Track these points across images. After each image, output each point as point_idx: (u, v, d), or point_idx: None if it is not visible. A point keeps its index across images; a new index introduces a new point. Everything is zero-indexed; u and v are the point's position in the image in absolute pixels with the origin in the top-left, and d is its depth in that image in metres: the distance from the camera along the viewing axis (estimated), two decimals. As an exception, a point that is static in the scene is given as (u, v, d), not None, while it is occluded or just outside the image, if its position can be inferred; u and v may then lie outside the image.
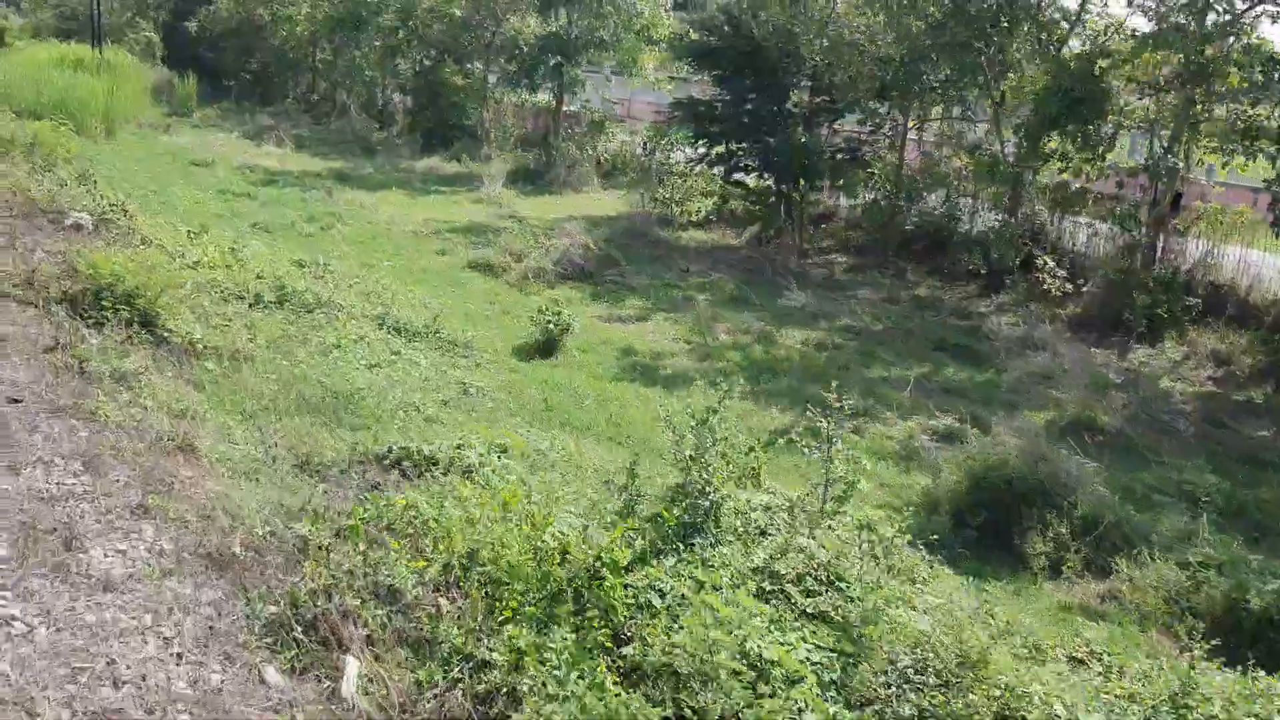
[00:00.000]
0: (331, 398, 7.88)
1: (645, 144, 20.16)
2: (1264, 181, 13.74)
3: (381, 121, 32.26)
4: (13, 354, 6.55)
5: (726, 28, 17.88)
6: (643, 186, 20.20)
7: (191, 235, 11.58)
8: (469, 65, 29.04)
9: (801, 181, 17.80)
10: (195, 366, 7.93)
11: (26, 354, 6.65)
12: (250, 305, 10.08)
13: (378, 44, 34.24)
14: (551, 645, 3.84)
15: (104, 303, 7.83)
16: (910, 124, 17.63)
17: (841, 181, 18.01)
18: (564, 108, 25.65)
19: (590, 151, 24.24)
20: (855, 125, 18.22)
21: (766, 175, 18.51)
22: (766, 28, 16.48)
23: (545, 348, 11.17)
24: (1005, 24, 14.86)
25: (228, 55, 39.97)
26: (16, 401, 5.77)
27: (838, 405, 6.42)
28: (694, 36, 19.45)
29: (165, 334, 8.07)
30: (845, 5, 17.62)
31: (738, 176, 19.12)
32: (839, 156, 17.92)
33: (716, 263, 17.02)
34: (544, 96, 29.82)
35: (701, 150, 19.48)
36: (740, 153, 18.32)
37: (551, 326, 11.21)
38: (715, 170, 19.40)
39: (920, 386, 11.35)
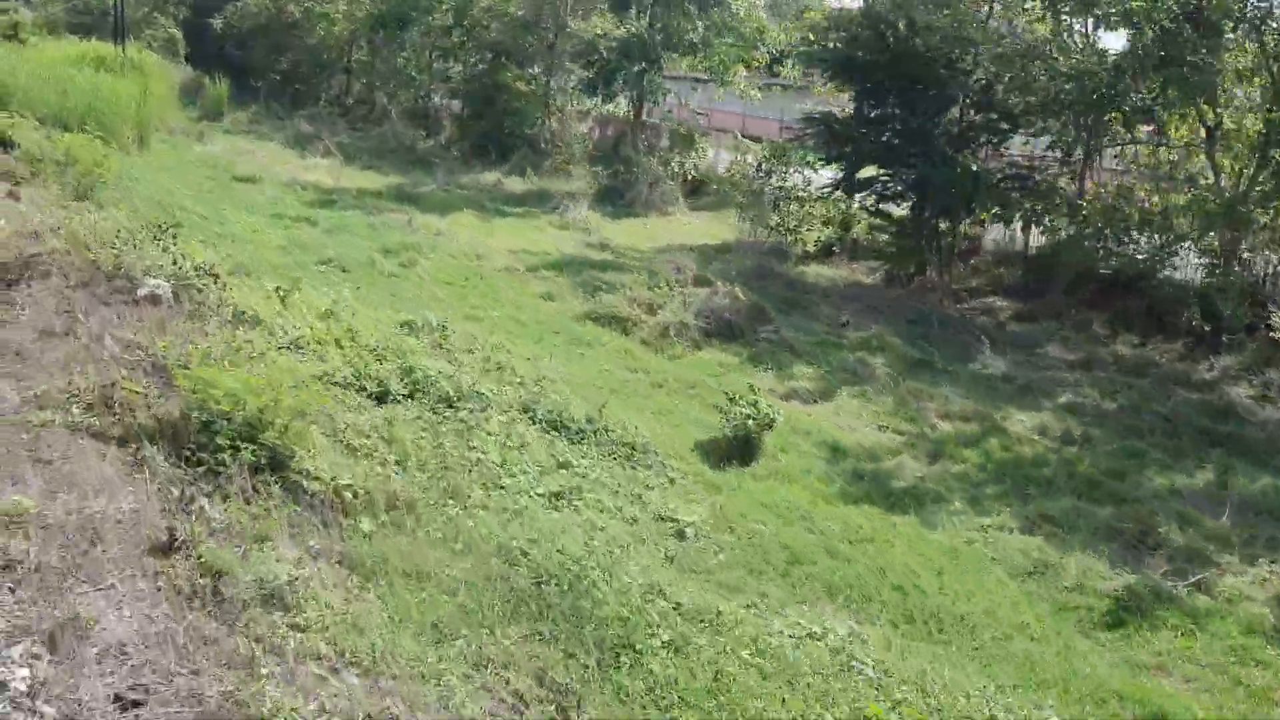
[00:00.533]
0: (546, 582, 5.35)
1: (760, 164, 17.63)
2: None
3: (427, 128, 29.72)
4: (108, 567, 4.03)
5: (869, 33, 15.34)
6: (754, 211, 17.66)
7: (282, 296, 9.06)
8: (530, 69, 26.48)
9: (957, 212, 15.27)
10: (347, 530, 5.42)
11: (128, 563, 4.12)
12: (378, 401, 7.58)
13: (426, 44, 31.77)
14: None
15: (218, 439, 5.31)
16: (1093, 148, 15.08)
17: (999, 212, 15.45)
18: (642, 118, 23.08)
19: (677, 168, 21.69)
20: (1021, 148, 15.72)
21: (912, 203, 15.95)
22: (931, 36, 13.93)
23: (741, 449, 8.65)
24: (1233, 33, 12.37)
25: (256, 54, 37.44)
26: (137, 707, 3.21)
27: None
28: (817, 42, 16.91)
29: (301, 479, 5.55)
30: (1016, 10, 15.09)
31: (876, 203, 16.56)
32: (1005, 184, 15.35)
33: (865, 309, 14.49)
34: (612, 105, 27.33)
35: (832, 172, 16.93)
36: (888, 178, 15.76)
37: (750, 422, 8.68)
38: (849, 197, 16.84)
39: (1221, 503, 8.80)
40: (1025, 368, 12.29)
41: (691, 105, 22.64)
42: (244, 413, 5.41)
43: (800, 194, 17.33)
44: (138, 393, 5.62)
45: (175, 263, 8.06)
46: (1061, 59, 13.18)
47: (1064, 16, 14.02)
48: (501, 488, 6.73)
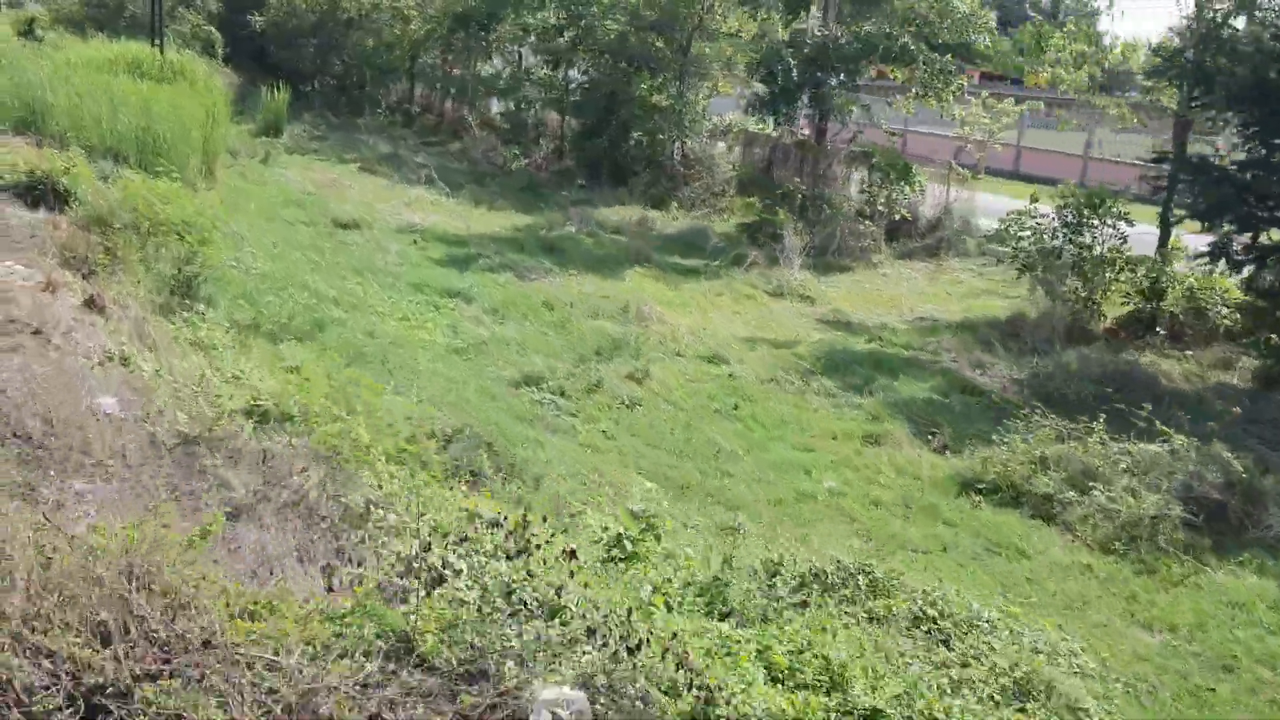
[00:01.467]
0: None
1: (1064, 214, 13.17)
2: None
3: (523, 146, 25.22)
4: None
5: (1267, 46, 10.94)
6: (1052, 275, 13.26)
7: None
8: (661, 78, 21.97)
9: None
10: None
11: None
12: None
13: (520, 45, 27.27)
14: None
15: None
16: None
17: None
18: (825, 140, 18.59)
19: (883, 207, 17.24)
20: None
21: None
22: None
23: None
24: None
25: (306, 56, 33.00)
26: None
27: None
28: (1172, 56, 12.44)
29: None
30: None
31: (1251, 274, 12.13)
32: None
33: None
34: (756, 121, 22.85)
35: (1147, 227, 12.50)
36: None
37: None
38: (1233, 270, 12.38)
39: None
40: None
41: (886, 127, 18.13)
42: None
43: (1113, 255, 12.91)
44: None
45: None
46: None
47: None
48: None
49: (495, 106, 29.63)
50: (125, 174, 15.50)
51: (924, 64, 17.22)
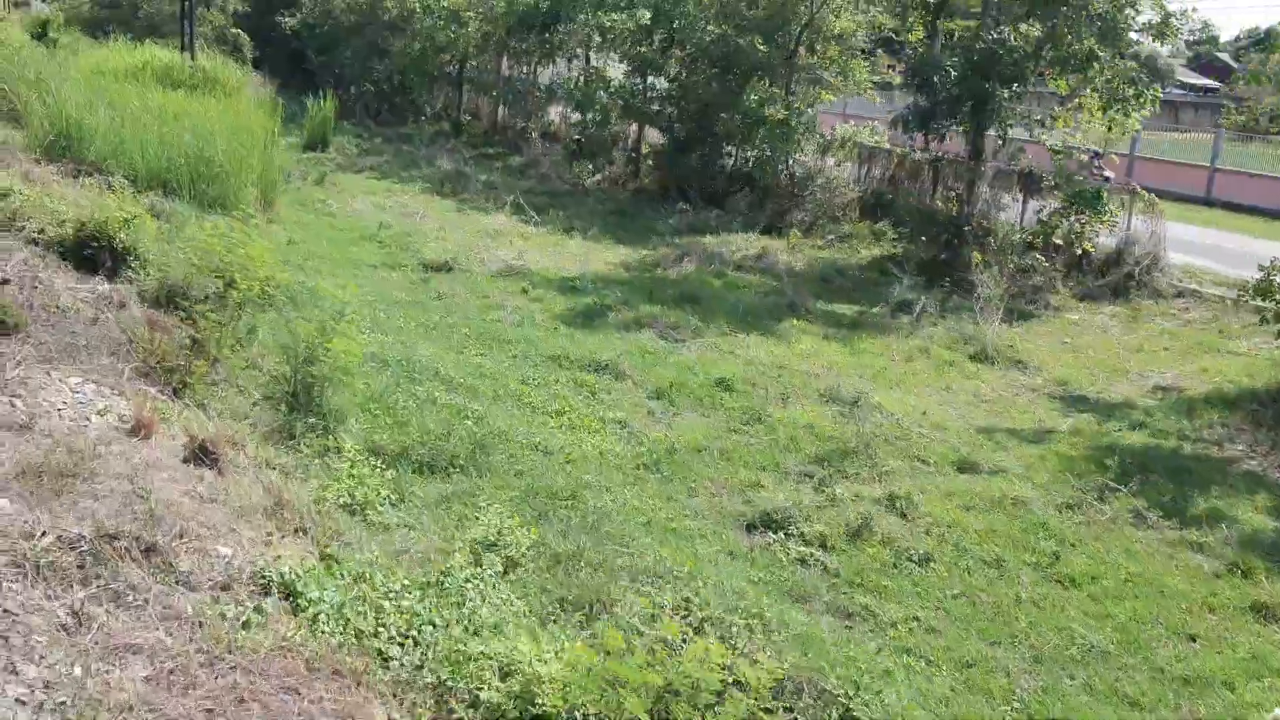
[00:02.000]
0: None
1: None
2: None
3: (594, 162, 22.60)
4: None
5: None
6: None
7: None
8: (769, 86, 19.33)
9: None
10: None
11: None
12: None
13: (588, 50, 24.66)
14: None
15: None
16: None
17: None
18: (982, 160, 15.95)
19: (1068, 242, 14.63)
20: None
21: None
22: None
23: None
24: None
25: (344, 61, 30.49)
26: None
27: None
28: None
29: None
30: None
31: None
32: None
33: None
34: (870, 133, 20.23)
35: None
36: None
37: None
38: None
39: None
40: None
41: (1050, 143, 15.46)
42: None
43: None
44: None
45: None
46: None
47: None
48: None
49: (553, 115, 27.02)
50: (179, 210, 13.00)
51: (1104, 71, 14.60)
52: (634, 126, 22.68)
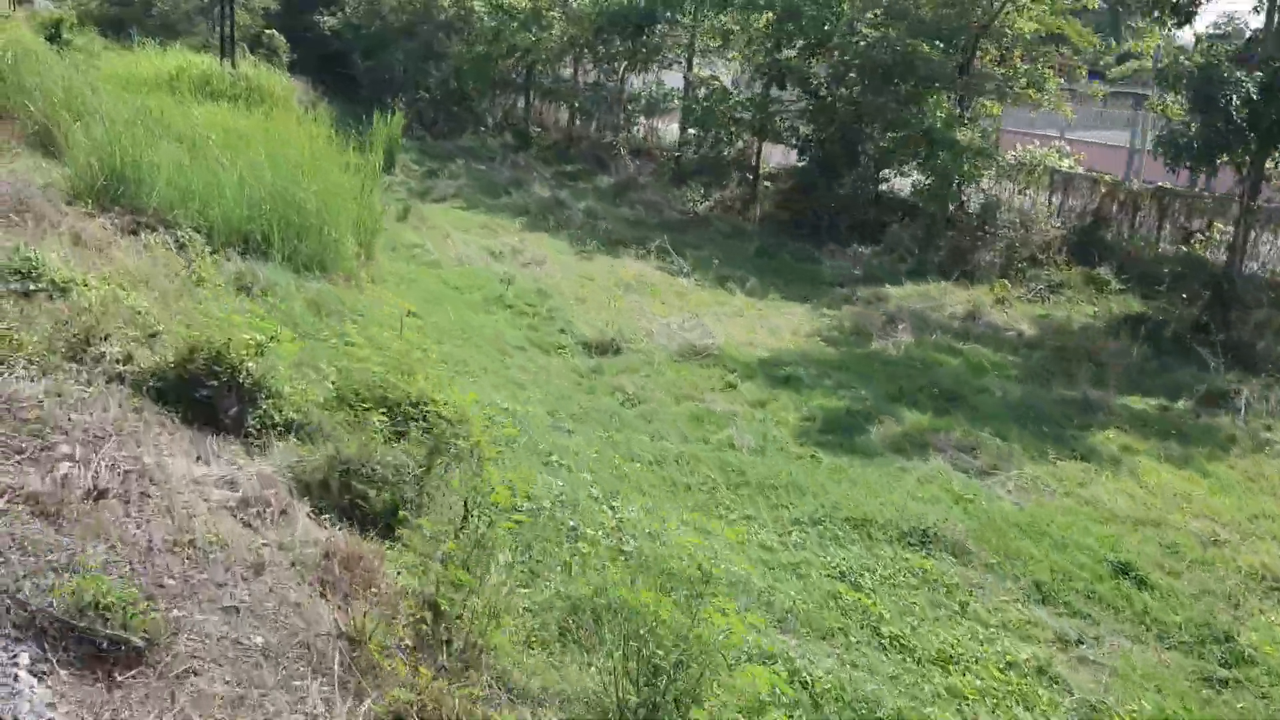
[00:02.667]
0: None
1: None
2: None
3: (707, 186, 19.35)
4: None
5: None
6: None
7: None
8: (946, 100, 16.04)
9: None
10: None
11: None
12: None
13: (700, 56, 21.39)
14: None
15: None
16: None
17: None
18: (1258, 197, 12.67)
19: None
20: None
21: None
22: None
23: None
24: None
25: (395, 65, 27.22)
26: None
27: None
28: None
29: None
30: None
31: None
32: None
33: None
34: (1059, 158, 16.93)
35: None
36: None
37: None
38: None
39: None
40: None
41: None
42: None
43: None
44: None
45: None
46: None
47: None
48: None
49: (639, 128, 23.76)
50: (272, 277, 9.76)
51: None
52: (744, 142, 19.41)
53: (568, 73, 25.49)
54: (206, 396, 5.74)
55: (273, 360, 6.04)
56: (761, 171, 19.67)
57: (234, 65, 21.70)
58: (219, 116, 15.10)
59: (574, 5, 22.74)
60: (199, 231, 10.08)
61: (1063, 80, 16.99)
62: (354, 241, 11.67)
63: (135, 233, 9.73)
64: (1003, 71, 16.26)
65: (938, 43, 15.69)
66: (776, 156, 20.25)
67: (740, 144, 18.89)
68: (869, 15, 16.41)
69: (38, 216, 8.65)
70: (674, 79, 23.51)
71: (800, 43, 17.21)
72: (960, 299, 13.74)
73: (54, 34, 28.45)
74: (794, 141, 18.12)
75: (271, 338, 5.99)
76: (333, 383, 6.54)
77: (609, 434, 8.19)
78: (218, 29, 36.07)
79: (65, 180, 10.34)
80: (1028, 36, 15.85)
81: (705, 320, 11.83)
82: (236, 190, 10.60)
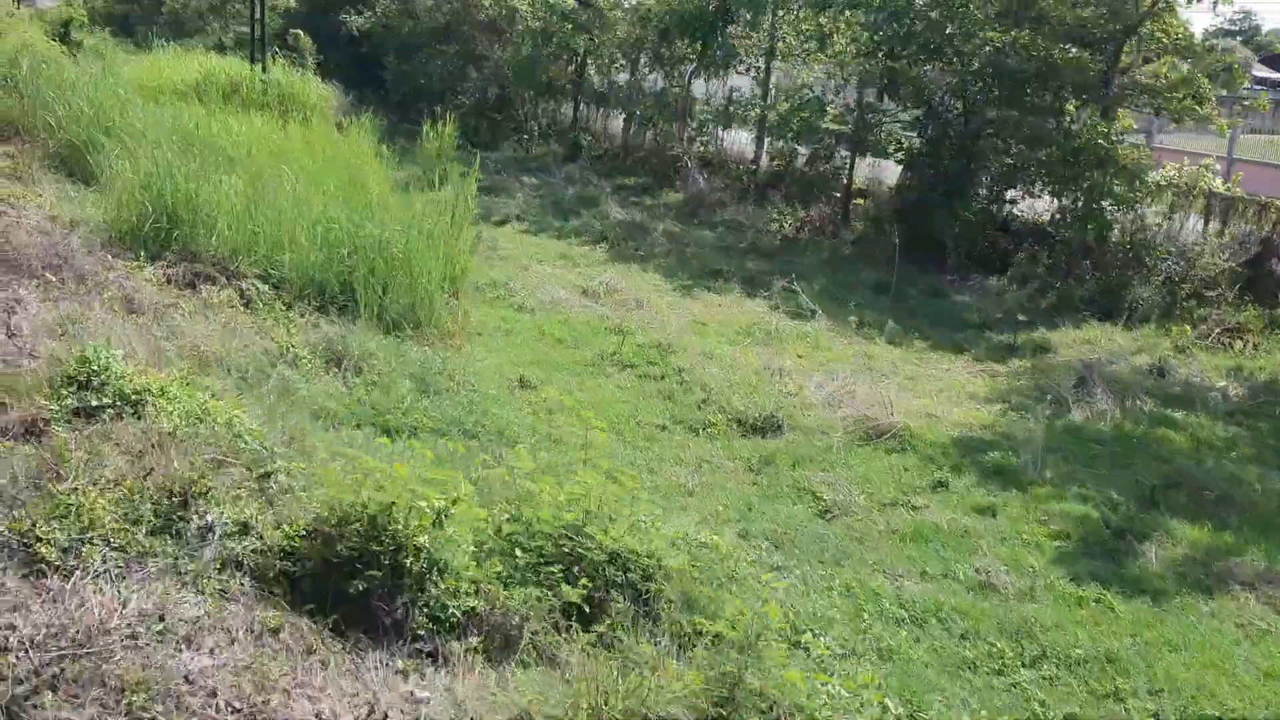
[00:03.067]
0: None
1: None
2: None
3: (790, 206, 17.35)
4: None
5: None
6: None
7: None
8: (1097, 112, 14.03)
9: None
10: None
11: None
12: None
13: (769, 58, 19.34)
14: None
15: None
16: None
17: None
18: None
19: None
20: None
21: None
22: None
23: None
24: None
25: (433, 70, 25.26)
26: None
27: None
28: None
29: None
30: None
31: None
32: None
33: None
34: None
35: None
36: None
37: None
38: None
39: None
40: None
41: None
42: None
43: None
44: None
45: None
46: None
47: None
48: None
49: (709, 138, 21.71)
50: (361, 342, 7.81)
51: None
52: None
53: (622, 77, 23.49)
54: (362, 590, 3.77)
55: (454, 528, 4.05)
56: (862, 186, 17.69)
57: (264, 70, 19.69)
58: (261, 132, 13.15)
59: (634, 3, 20.73)
60: (266, 282, 8.11)
61: (1222, 91, 14.99)
62: (444, 288, 9.70)
63: (193, 285, 7.78)
64: (1154, 79, 14.22)
65: (1082, 49, 13.68)
66: (861, 171, 18.24)
67: (836, 158, 16.84)
68: (996, 17, 14.36)
69: (79, 274, 6.69)
70: (740, 84, 21.55)
71: (913, 46, 15.17)
72: (1129, 346, 11.75)
73: (63, 33, 26.41)
74: (900, 157, 16.10)
75: (454, 500, 3.98)
76: (505, 537, 4.58)
77: (828, 570, 6.20)
78: (230, 28, 34.12)
79: (103, 215, 8.34)
80: (1186, 42, 13.83)
81: (860, 383, 9.81)
82: (311, 232, 8.61)
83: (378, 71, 26.30)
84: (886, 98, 16.06)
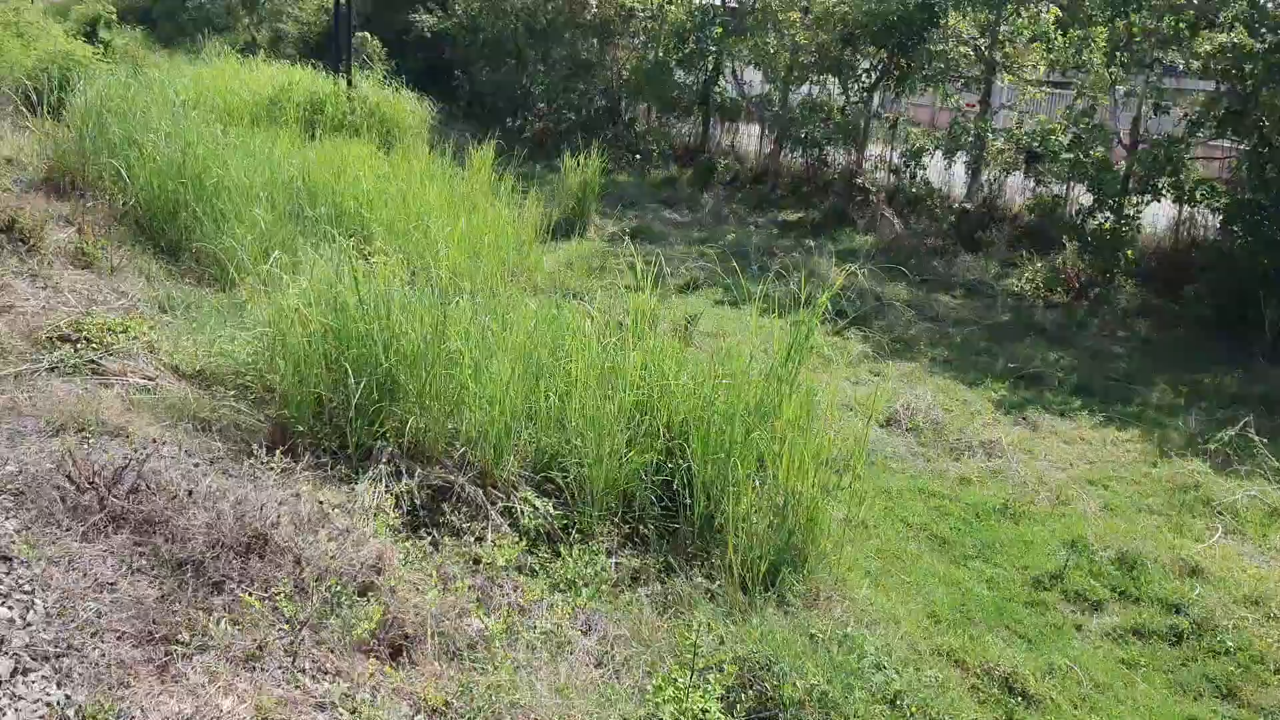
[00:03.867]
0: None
1: None
2: None
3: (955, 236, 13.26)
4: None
5: None
6: None
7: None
8: None
9: None
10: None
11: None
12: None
13: (991, 70, 15.17)
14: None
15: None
16: None
17: None
18: None
19: None
20: None
21: None
22: None
23: None
24: None
25: (539, 78, 21.38)
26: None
27: None
28: None
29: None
30: None
31: None
32: None
33: None
34: None
35: None
36: None
37: None
38: None
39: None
40: None
41: None
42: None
43: None
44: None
45: None
46: None
47: None
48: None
49: (911, 167, 17.58)
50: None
51: None
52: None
53: (761, 89, 19.52)
54: None
55: None
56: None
57: (349, 83, 15.71)
58: (380, 172, 9.24)
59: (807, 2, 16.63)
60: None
61: None
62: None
63: (416, 529, 3.67)
64: None
65: None
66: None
67: (1117, 204, 12.67)
68: None
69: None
70: (920, 102, 17.58)
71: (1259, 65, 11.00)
72: None
73: (90, 33, 22.64)
74: (1217, 203, 11.97)
75: None
76: None
77: None
78: (266, 24, 30.06)
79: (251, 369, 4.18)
80: None
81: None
82: (614, 423, 4.50)
83: (451, 78, 22.50)
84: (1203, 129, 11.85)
